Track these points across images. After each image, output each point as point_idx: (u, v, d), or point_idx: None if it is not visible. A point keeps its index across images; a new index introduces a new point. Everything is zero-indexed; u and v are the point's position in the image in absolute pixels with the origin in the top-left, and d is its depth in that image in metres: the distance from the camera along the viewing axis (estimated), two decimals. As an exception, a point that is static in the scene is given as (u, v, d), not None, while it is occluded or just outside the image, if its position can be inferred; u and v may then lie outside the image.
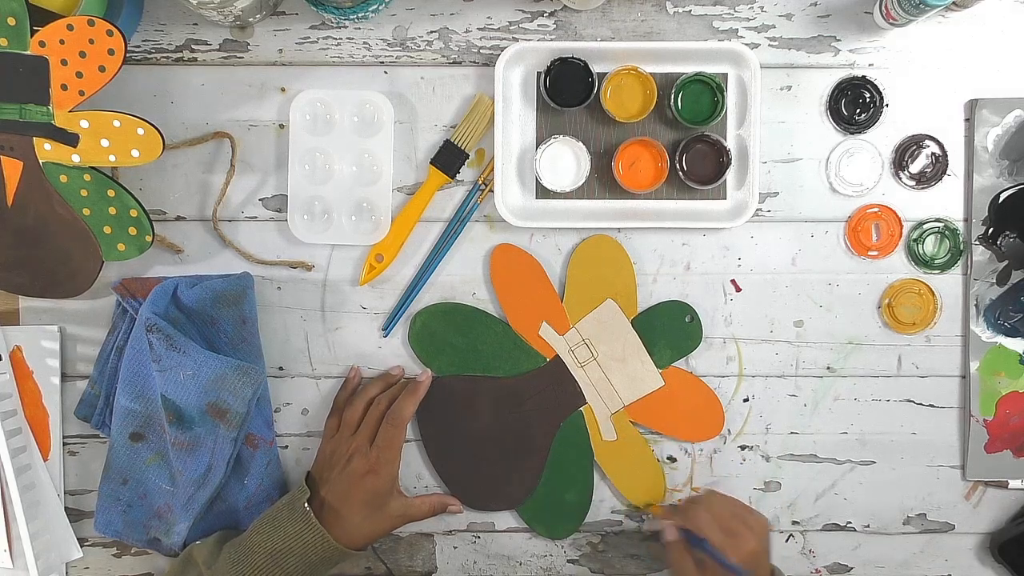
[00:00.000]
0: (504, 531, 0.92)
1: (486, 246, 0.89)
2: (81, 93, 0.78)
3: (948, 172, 0.89)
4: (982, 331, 0.90)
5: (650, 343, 0.89)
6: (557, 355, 0.89)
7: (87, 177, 0.81)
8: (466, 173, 0.89)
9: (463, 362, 0.89)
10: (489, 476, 0.90)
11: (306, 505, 0.81)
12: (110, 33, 0.76)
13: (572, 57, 0.85)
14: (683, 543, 0.82)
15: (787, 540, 0.92)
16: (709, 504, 0.83)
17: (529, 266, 0.88)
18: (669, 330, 0.89)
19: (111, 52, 0.76)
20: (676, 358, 0.89)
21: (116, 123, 0.79)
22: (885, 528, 0.92)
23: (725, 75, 0.87)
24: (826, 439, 0.91)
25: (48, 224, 0.82)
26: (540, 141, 0.88)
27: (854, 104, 0.88)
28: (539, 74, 0.87)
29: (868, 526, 0.92)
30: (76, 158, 0.80)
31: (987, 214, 0.89)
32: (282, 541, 0.79)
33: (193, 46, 0.88)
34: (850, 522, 0.92)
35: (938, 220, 0.89)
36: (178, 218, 0.89)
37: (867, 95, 0.88)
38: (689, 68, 0.87)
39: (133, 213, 0.82)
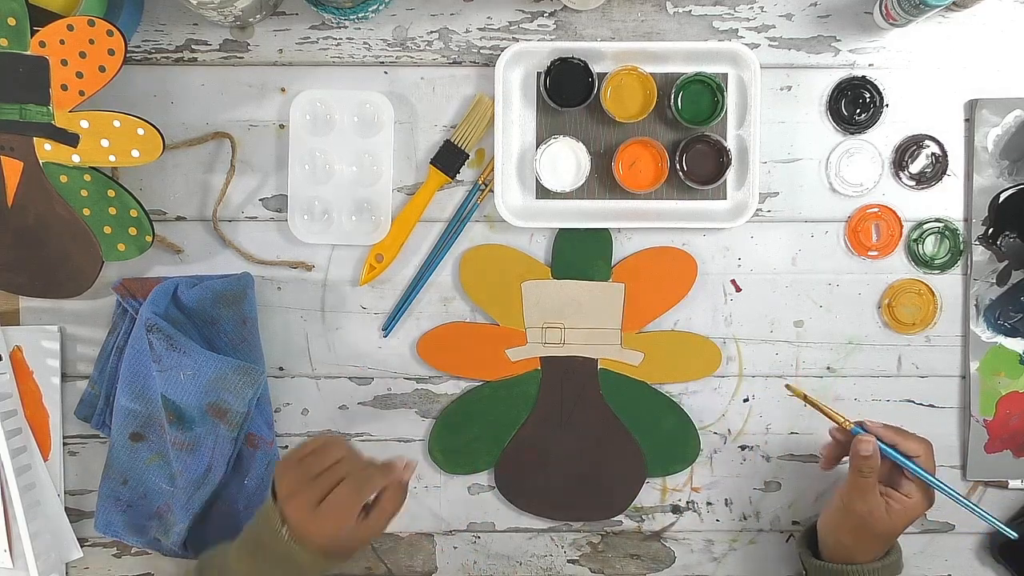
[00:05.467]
0: (504, 531, 0.92)
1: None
2: (81, 93, 0.78)
3: (948, 172, 0.89)
4: (982, 331, 0.90)
5: (582, 270, 0.89)
6: (541, 357, 0.90)
7: (87, 177, 0.81)
8: (466, 173, 0.89)
9: (495, 439, 0.90)
10: (604, 481, 0.90)
11: (284, 530, 0.71)
12: (110, 33, 0.76)
13: (572, 57, 0.85)
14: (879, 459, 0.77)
15: (787, 540, 0.92)
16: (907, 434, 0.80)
17: (456, 331, 0.90)
18: (585, 248, 0.89)
19: (111, 52, 0.76)
20: (610, 264, 0.89)
21: (116, 123, 0.79)
22: (885, 528, 0.92)
23: (725, 75, 0.87)
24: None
25: (48, 224, 0.82)
26: (540, 141, 0.88)
27: (854, 104, 0.88)
28: (539, 74, 0.87)
29: (868, 526, 0.92)
30: (76, 158, 0.80)
31: (987, 214, 0.89)
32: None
33: (193, 46, 0.88)
34: (850, 522, 0.92)
35: (938, 220, 0.89)
36: (178, 218, 0.89)
37: (867, 95, 0.88)
38: (689, 68, 0.87)
39: (133, 213, 0.82)
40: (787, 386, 0.83)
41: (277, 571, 0.71)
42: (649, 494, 0.92)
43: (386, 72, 0.89)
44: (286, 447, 0.90)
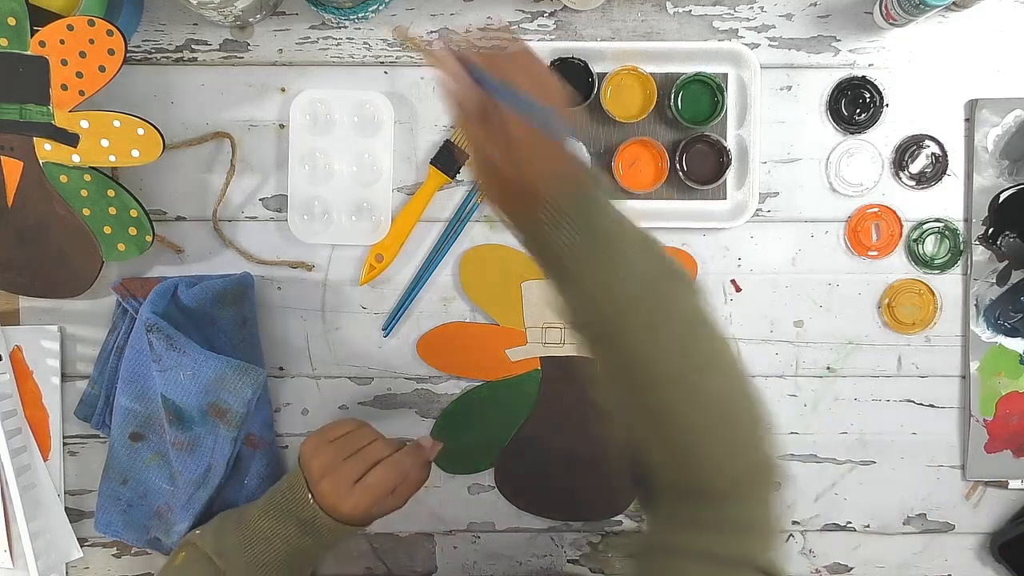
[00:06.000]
0: (504, 531, 0.92)
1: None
2: (81, 93, 0.78)
3: (948, 172, 0.89)
4: (982, 331, 0.90)
5: None
6: (540, 358, 0.90)
7: (87, 177, 0.81)
8: (466, 173, 0.89)
9: (495, 439, 0.90)
10: (604, 481, 0.90)
11: (310, 498, 0.75)
12: (110, 33, 0.76)
13: (572, 57, 0.85)
14: (466, 76, 0.61)
15: (787, 540, 0.92)
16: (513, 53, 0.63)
17: (456, 331, 0.90)
18: None
19: (111, 52, 0.76)
20: None
21: (116, 123, 0.79)
22: (885, 528, 0.92)
23: (725, 75, 0.87)
24: (826, 439, 0.91)
25: (48, 224, 0.82)
26: (540, 141, 0.88)
27: (854, 104, 0.88)
28: (539, 74, 0.87)
29: (868, 526, 0.92)
30: (76, 158, 0.80)
31: (987, 214, 0.89)
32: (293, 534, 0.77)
33: (193, 46, 0.88)
34: (850, 522, 0.92)
35: (938, 220, 0.89)
36: (178, 218, 0.89)
37: (867, 95, 0.88)
38: (689, 68, 0.87)
39: (133, 213, 0.82)
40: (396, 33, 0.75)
41: (297, 533, 0.76)
42: (649, 494, 0.92)
43: (386, 72, 0.89)
44: (286, 447, 0.91)
